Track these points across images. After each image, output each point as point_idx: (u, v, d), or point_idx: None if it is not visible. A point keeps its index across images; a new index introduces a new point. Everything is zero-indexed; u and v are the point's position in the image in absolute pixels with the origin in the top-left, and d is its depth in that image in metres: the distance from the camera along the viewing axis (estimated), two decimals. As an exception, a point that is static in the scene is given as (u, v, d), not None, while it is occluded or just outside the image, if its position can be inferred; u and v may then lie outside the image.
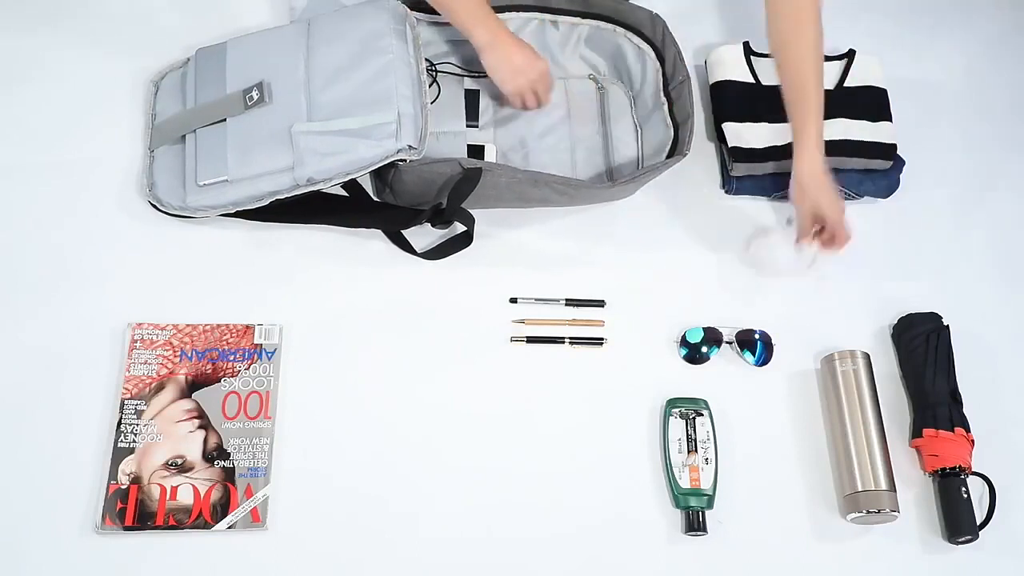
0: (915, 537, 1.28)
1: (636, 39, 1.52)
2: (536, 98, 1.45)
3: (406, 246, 1.39)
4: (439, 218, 1.37)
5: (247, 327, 1.31)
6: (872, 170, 1.50)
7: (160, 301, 1.33)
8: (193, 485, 1.21)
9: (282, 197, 1.33)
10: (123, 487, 1.19)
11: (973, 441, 1.29)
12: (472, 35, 1.38)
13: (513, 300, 1.38)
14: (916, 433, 1.32)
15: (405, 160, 1.30)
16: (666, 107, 1.48)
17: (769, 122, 1.49)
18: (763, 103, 1.50)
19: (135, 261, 1.35)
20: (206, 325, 1.31)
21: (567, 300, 1.39)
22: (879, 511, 1.24)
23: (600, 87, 1.57)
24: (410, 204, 1.38)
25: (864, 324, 1.42)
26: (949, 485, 1.27)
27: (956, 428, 1.29)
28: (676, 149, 1.43)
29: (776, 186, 1.49)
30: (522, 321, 1.37)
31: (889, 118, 1.52)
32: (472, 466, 1.26)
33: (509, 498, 1.25)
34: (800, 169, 1.34)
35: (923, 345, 1.35)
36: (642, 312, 1.39)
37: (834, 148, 1.47)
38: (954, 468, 1.27)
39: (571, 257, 1.43)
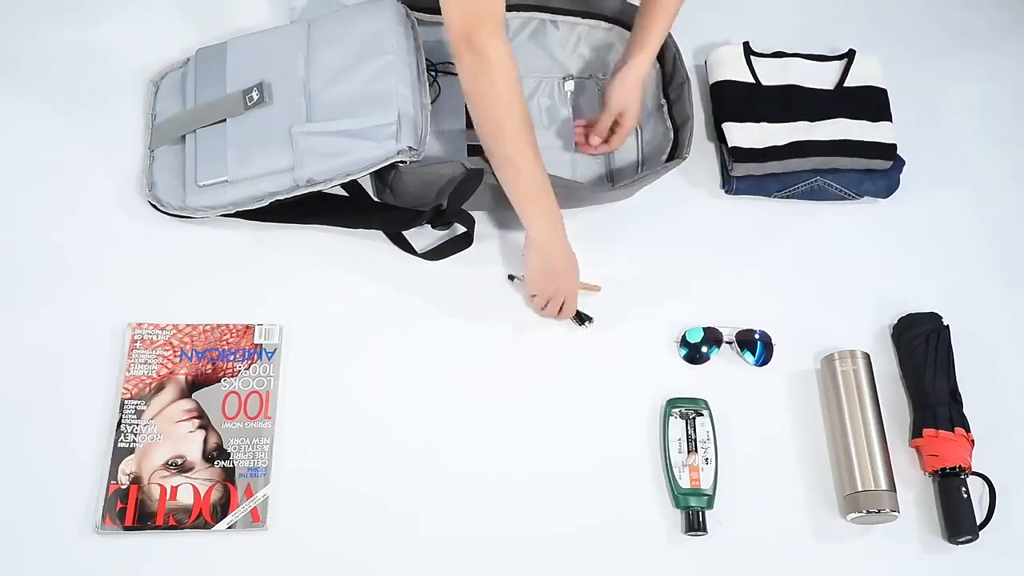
0: (915, 537, 1.28)
1: (636, 39, 1.52)
2: (552, 309, 1.33)
3: (406, 247, 1.39)
4: (439, 219, 1.37)
5: (247, 327, 1.31)
6: (872, 170, 1.50)
7: (160, 301, 1.33)
8: (193, 485, 1.21)
9: (282, 198, 1.33)
10: (123, 487, 1.19)
11: (973, 441, 1.29)
12: (530, 224, 1.25)
13: (511, 277, 1.39)
14: (916, 433, 1.32)
15: (405, 161, 1.30)
16: (666, 109, 1.48)
17: (769, 122, 1.49)
18: (763, 103, 1.51)
19: (135, 261, 1.35)
20: (206, 325, 1.31)
21: None
22: (879, 511, 1.24)
23: (600, 88, 1.57)
24: (410, 205, 1.38)
25: (864, 324, 1.42)
26: (949, 485, 1.27)
27: (956, 428, 1.29)
28: (676, 152, 1.43)
29: (776, 186, 1.49)
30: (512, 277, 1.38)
31: (889, 118, 1.52)
32: (472, 466, 1.26)
33: (509, 498, 1.25)
34: (630, 72, 1.41)
35: (923, 345, 1.35)
36: (642, 312, 1.39)
37: (834, 148, 1.47)
38: (954, 468, 1.27)
39: (571, 257, 1.43)
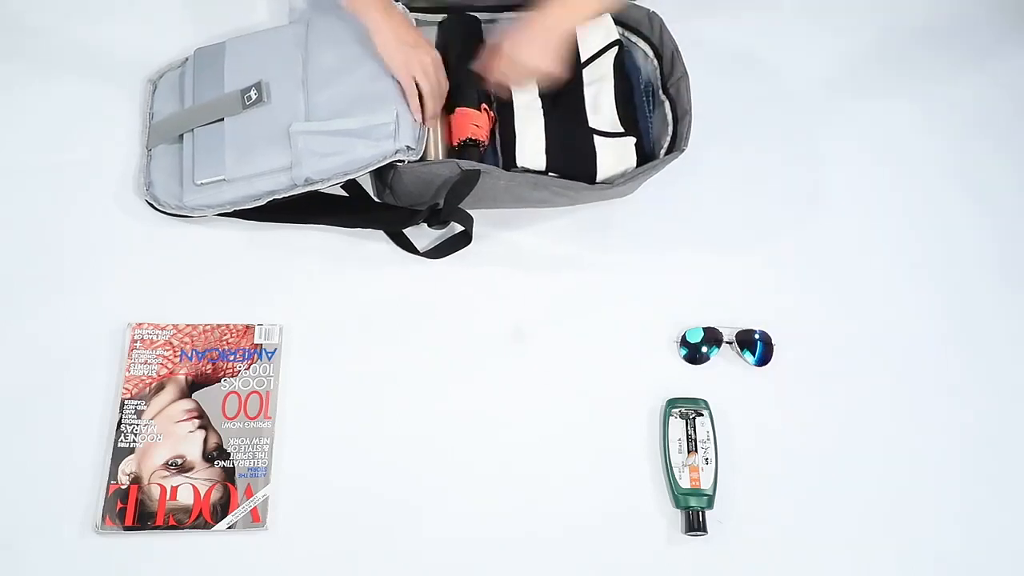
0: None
1: (634, 37, 1.51)
2: (426, 86, 1.32)
3: (407, 245, 1.39)
4: (436, 219, 1.36)
5: (247, 327, 1.31)
6: None
7: (160, 301, 1.33)
8: (193, 485, 1.21)
9: (280, 197, 1.33)
10: (123, 487, 1.19)
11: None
12: (365, 17, 1.32)
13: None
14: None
15: (403, 160, 1.30)
16: (666, 104, 1.48)
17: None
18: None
19: (135, 261, 1.35)
20: (206, 325, 1.31)
21: None
22: (879, 511, 1.24)
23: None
24: (411, 204, 1.38)
25: (864, 324, 1.42)
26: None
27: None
28: (674, 145, 1.43)
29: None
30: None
31: None
32: (472, 465, 1.26)
33: (509, 498, 1.25)
34: (536, 23, 1.33)
35: None
36: (642, 312, 1.39)
37: None
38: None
39: (571, 257, 1.43)
